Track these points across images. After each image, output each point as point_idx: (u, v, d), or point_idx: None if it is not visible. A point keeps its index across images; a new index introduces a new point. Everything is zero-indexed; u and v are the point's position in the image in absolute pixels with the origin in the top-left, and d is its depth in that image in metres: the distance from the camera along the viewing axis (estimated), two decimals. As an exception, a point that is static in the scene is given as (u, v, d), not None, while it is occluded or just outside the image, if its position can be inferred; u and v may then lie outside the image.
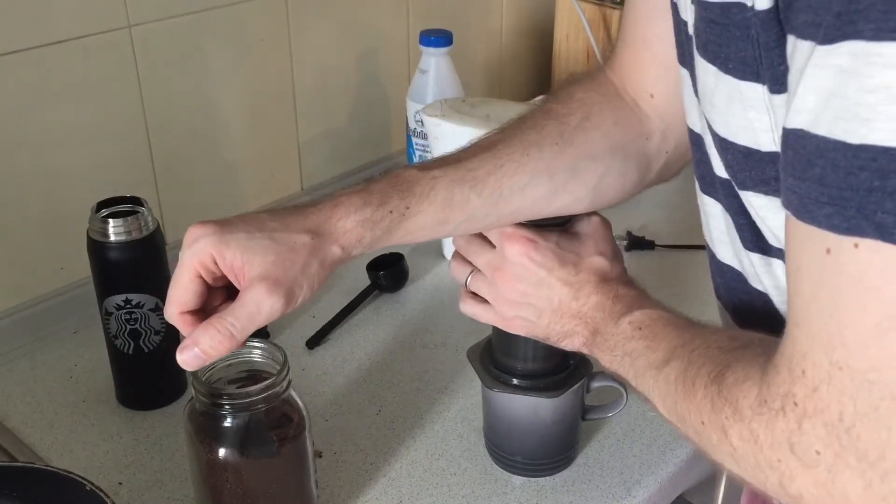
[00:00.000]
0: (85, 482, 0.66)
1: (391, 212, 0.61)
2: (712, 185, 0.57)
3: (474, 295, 0.73)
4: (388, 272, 1.06)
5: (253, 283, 0.57)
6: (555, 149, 0.65)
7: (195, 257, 0.57)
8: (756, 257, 0.55)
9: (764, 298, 0.57)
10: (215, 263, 0.57)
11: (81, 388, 0.90)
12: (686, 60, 0.57)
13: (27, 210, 0.94)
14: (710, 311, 1.03)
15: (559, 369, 0.77)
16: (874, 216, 0.38)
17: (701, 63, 0.50)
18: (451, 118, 1.04)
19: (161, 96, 1.01)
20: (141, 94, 1.00)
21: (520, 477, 0.80)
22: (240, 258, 0.57)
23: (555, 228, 0.69)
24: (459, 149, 0.66)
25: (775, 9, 0.43)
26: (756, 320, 0.58)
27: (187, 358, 0.58)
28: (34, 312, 0.97)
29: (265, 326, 0.96)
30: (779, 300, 0.55)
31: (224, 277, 0.59)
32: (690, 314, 1.02)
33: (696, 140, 0.58)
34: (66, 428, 0.85)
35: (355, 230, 0.60)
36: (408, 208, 0.61)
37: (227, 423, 0.65)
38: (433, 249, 1.15)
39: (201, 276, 0.58)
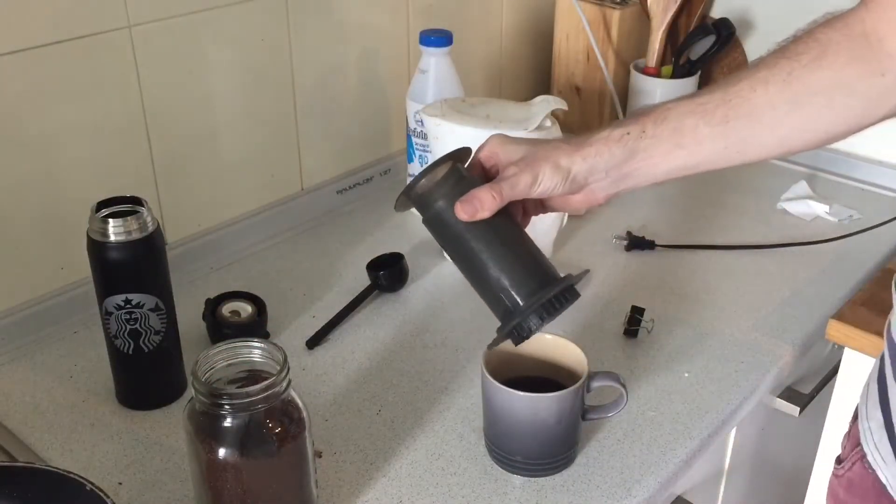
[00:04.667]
0: (85, 482, 0.66)
1: (628, 133, 0.71)
2: None
3: None
4: (388, 272, 1.06)
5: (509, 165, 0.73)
6: (781, 86, 0.70)
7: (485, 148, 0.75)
8: None
9: None
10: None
11: (81, 388, 0.90)
12: None
13: (27, 210, 0.94)
14: (710, 311, 1.04)
15: None
16: None
17: None
18: (451, 118, 1.04)
19: (161, 96, 1.01)
20: (141, 94, 1.00)
21: (520, 477, 0.80)
22: (501, 151, 0.74)
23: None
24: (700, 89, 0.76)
25: None
26: None
27: (464, 206, 0.69)
28: (34, 312, 0.97)
29: (265, 326, 0.97)
30: None
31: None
32: (690, 314, 1.03)
33: None
34: (66, 428, 0.85)
35: (595, 144, 0.72)
36: (643, 131, 0.71)
37: (227, 423, 0.65)
38: (433, 249, 1.15)
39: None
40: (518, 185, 0.70)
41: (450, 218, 0.69)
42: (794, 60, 0.71)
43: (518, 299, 0.70)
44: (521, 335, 0.71)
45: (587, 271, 0.76)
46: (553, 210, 0.77)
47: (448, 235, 0.71)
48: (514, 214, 0.73)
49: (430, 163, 0.73)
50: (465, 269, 0.72)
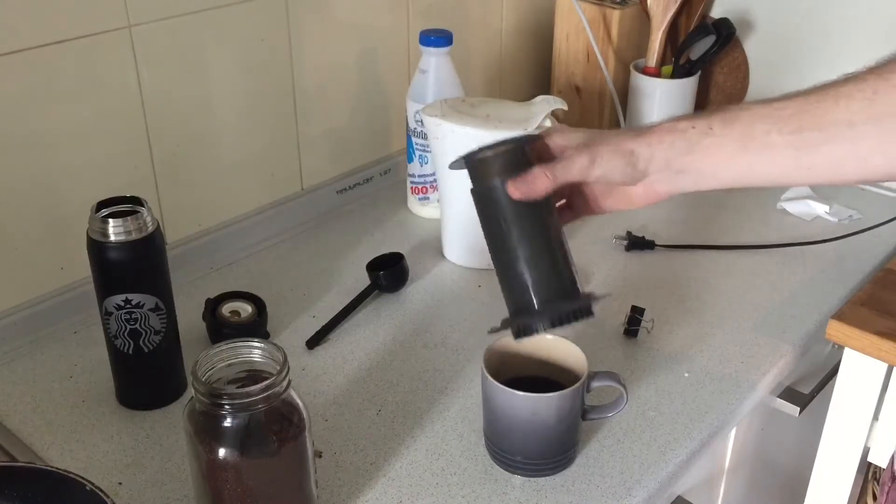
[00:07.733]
0: (85, 482, 0.66)
1: (694, 127, 0.69)
2: None
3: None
4: (388, 272, 1.06)
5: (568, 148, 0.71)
6: (864, 103, 0.66)
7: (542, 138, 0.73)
8: None
9: None
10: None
11: (81, 388, 0.91)
12: None
13: (27, 210, 0.94)
14: (710, 311, 1.04)
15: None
16: None
17: None
18: (451, 118, 1.04)
19: (161, 96, 1.01)
20: (141, 94, 1.00)
21: (520, 477, 0.80)
22: (560, 138, 0.72)
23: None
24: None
25: None
26: None
27: (517, 184, 0.68)
28: (34, 312, 0.97)
29: (265, 326, 0.97)
30: None
31: None
32: (690, 314, 1.03)
33: None
34: (66, 428, 0.85)
35: (658, 133, 0.70)
36: (710, 128, 0.69)
37: (227, 423, 0.65)
38: (433, 249, 1.15)
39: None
40: (573, 167, 0.68)
41: (499, 197, 0.69)
42: (882, 78, 0.66)
43: (535, 300, 0.70)
44: (524, 333, 0.71)
45: (609, 294, 0.75)
46: (609, 210, 0.76)
47: (490, 214, 0.71)
48: (560, 215, 0.72)
49: (499, 140, 0.72)
50: (495, 251, 0.72)
